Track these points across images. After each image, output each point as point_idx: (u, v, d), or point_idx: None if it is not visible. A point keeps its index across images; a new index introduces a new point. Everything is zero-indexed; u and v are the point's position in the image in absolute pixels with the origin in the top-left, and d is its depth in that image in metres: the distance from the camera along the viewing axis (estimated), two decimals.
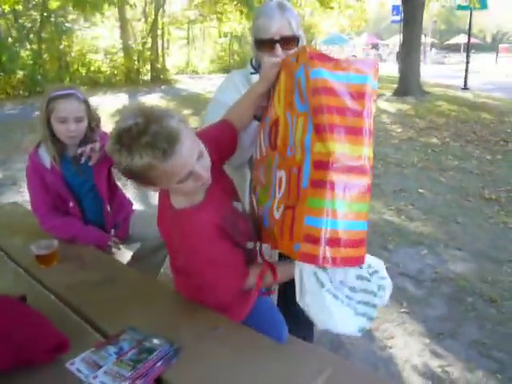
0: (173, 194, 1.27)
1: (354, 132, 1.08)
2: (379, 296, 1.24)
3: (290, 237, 1.16)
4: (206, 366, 1.16)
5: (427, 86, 12.77)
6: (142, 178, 1.13)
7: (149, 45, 19.91)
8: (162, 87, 17.07)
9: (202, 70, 23.85)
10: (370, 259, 1.24)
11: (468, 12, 13.92)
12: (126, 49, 18.62)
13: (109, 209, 2.08)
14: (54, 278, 1.64)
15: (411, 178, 5.43)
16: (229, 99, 1.56)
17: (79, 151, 1.90)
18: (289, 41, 1.59)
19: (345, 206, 1.06)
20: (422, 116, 9.21)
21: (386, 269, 3.30)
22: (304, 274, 1.20)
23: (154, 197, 4.77)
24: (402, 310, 2.72)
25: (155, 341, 1.22)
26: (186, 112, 10.03)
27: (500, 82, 16.78)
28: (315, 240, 1.07)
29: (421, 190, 4.93)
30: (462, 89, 13.37)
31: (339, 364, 1.32)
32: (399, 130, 8.04)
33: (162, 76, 19.77)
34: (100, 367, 1.13)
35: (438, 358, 2.30)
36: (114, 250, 2.05)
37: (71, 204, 1.99)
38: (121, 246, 2.10)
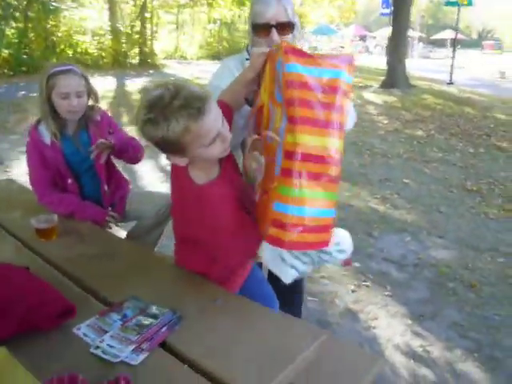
0: (192, 170, 1.32)
1: (324, 125, 1.16)
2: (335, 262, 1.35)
3: (263, 220, 1.25)
4: (206, 332, 1.22)
5: (413, 79, 12.91)
6: (176, 147, 1.20)
7: (137, 28, 19.63)
8: (150, 71, 16.92)
9: (190, 55, 23.61)
10: (342, 240, 1.31)
11: (455, 8, 14.06)
12: (114, 31, 18.34)
13: (106, 188, 2.12)
14: (54, 251, 1.68)
15: (397, 168, 5.54)
16: (225, 85, 1.59)
17: (93, 147, 1.93)
18: (284, 27, 1.63)
19: (312, 195, 1.15)
20: (408, 108, 9.34)
21: (371, 254, 3.41)
22: (268, 251, 1.29)
23: (143, 178, 4.81)
24: (386, 293, 2.83)
25: (158, 308, 1.28)
26: None
27: (484, 78, 17.03)
28: (282, 225, 1.16)
29: (406, 180, 5.05)
30: (448, 83, 13.54)
31: (330, 337, 1.39)
32: (386, 122, 8.15)
33: (149, 60, 19.54)
34: (106, 332, 1.19)
35: (419, 338, 2.41)
36: (110, 225, 2.10)
37: (70, 181, 2.03)
38: (115, 223, 2.14)
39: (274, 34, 1.61)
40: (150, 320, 1.23)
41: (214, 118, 1.20)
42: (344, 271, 3.08)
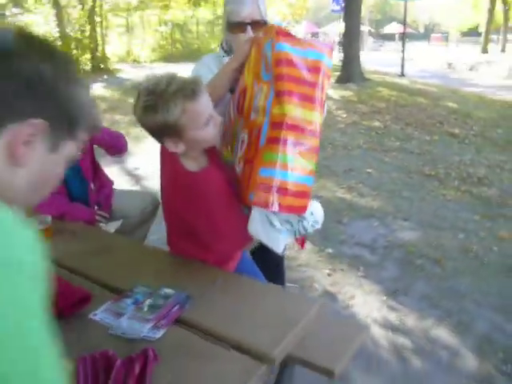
0: (184, 159, 1.42)
1: (308, 99, 1.30)
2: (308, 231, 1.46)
3: (247, 187, 1.37)
4: (214, 307, 1.34)
5: (367, 72, 13.30)
6: (173, 130, 1.31)
7: (87, 33, 19.24)
8: (105, 76, 16.64)
9: (143, 58, 23.34)
10: (315, 211, 1.43)
11: (402, 2, 14.60)
12: (64, 37, 17.92)
13: (93, 187, 2.18)
14: (52, 250, 1.72)
15: (358, 159, 5.77)
16: (204, 80, 1.70)
17: None
18: (259, 24, 1.73)
19: (294, 161, 1.29)
20: (365, 101, 9.65)
21: (342, 240, 3.59)
22: (257, 215, 1.39)
23: (119, 180, 4.83)
24: (360, 274, 3.01)
25: (167, 290, 1.38)
26: None
27: (433, 69, 17.76)
28: (267, 188, 1.29)
29: (368, 170, 5.28)
30: (399, 75, 14.02)
31: (323, 305, 1.54)
32: (344, 115, 8.41)
33: (102, 65, 19.18)
34: (122, 315, 1.28)
35: (394, 312, 2.60)
36: (101, 224, 2.17)
37: None
38: (105, 222, 2.21)
39: (249, 31, 1.71)
40: (161, 301, 1.33)
41: (206, 101, 1.34)
42: (319, 257, 3.24)
